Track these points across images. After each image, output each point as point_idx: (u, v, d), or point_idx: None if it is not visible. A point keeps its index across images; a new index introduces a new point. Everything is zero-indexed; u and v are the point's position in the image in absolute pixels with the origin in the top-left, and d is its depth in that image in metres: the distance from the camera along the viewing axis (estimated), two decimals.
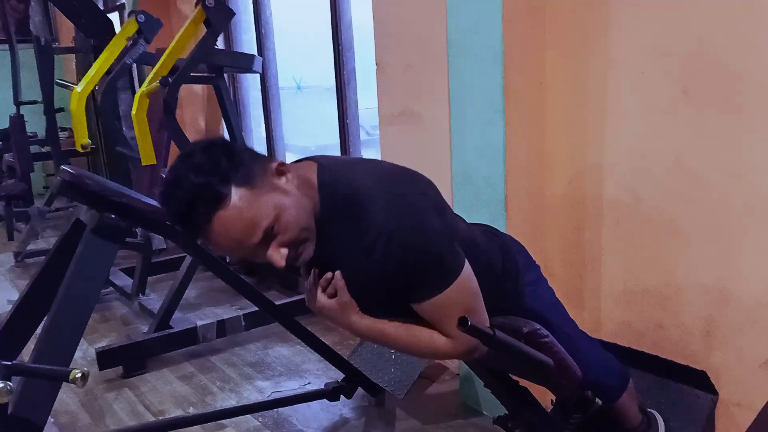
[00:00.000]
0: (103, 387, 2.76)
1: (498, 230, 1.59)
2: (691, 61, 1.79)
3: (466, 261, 1.21)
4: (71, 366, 1.46)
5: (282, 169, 1.17)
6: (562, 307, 1.59)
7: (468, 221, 1.84)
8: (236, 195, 1.10)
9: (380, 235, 1.14)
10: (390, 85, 2.86)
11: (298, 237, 1.16)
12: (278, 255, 1.14)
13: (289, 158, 4.40)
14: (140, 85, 4.34)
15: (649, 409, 1.88)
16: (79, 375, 1.34)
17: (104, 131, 4.17)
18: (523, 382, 1.66)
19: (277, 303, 2.54)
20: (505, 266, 1.43)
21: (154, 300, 3.56)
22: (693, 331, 1.92)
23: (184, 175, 1.10)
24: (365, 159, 1.31)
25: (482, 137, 2.17)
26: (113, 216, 1.86)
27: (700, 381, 1.89)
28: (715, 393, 1.87)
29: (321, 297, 1.26)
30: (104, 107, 3.80)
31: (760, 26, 1.62)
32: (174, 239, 2.10)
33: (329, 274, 1.25)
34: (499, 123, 2.10)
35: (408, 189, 1.20)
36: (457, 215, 1.38)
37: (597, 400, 2.00)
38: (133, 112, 3.00)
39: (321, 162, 1.24)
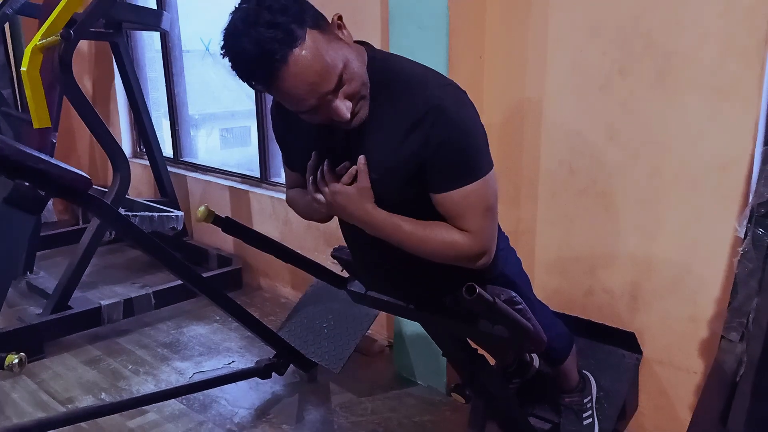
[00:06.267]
0: None
1: None
2: (626, 40, 1.87)
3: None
4: None
5: (341, 23, 1.15)
6: (526, 274, 1.63)
7: None
8: (310, 37, 1.07)
9: (432, 108, 1.15)
10: None
11: (360, 90, 1.15)
12: (344, 106, 1.13)
13: (195, 132, 4.13)
14: (12, 41, 3.88)
15: (582, 370, 1.99)
16: (16, 360, 1.17)
17: None
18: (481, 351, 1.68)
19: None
20: None
21: (44, 278, 3.23)
22: (620, 296, 2.05)
23: (256, 14, 1.04)
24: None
25: None
26: (27, 184, 1.64)
27: (627, 342, 2.02)
28: (640, 352, 2.02)
29: (335, 184, 1.24)
30: None
31: (691, 7, 1.73)
32: (97, 213, 1.87)
33: (347, 163, 1.23)
34: None
35: (454, 84, 1.22)
36: None
37: (534, 364, 2.10)
38: (24, 68, 2.64)
39: (368, 44, 1.25)
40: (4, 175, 1.60)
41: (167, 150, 3.94)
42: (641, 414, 2.08)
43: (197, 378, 2.45)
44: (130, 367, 2.58)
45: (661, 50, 1.81)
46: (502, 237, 1.55)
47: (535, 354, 2.05)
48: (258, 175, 3.39)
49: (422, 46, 2.09)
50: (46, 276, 3.24)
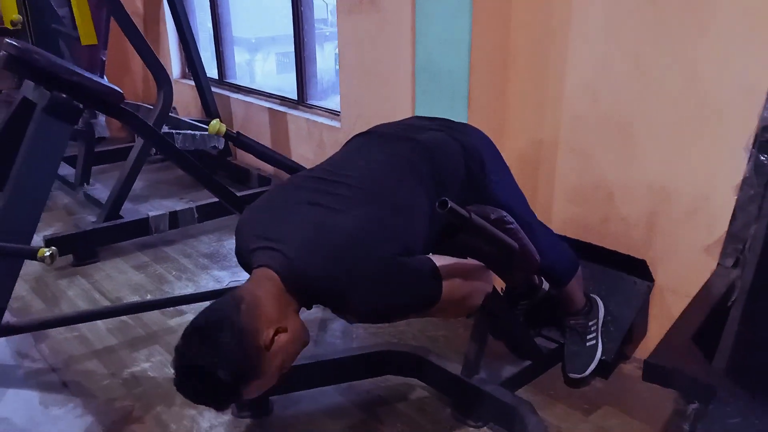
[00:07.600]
0: (53, 275, 2.72)
1: (459, 125, 1.61)
2: None
3: (434, 263, 1.30)
4: None
5: (275, 333, 1.22)
6: (523, 197, 1.67)
7: (430, 114, 1.86)
8: (250, 389, 1.22)
9: (368, 313, 1.30)
10: None
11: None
12: None
13: (238, 53, 4.20)
14: None
15: (591, 294, 2.03)
16: (49, 253, 1.32)
17: (32, 7, 3.81)
18: None
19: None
20: (469, 167, 1.50)
21: (99, 189, 3.47)
22: (636, 224, 2.05)
23: (198, 388, 1.19)
24: (314, 232, 1.29)
25: (447, 29, 2.14)
26: (64, 95, 1.77)
27: (639, 269, 2.04)
28: (651, 280, 2.04)
29: None
30: None
31: None
32: (131, 125, 2.01)
33: None
34: (465, 14, 2.07)
35: (369, 261, 1.24)
36: (418, 177, 1.44)
37: (543, 287, 2.16)
38: None
39: (277, 269, 1.26)
40: (41, 86, 1.74)
41: (212, 71, 4.05)
42: (650, 339, 2.12)
43: (233, 285, 2.64)
44: (173, 273, 2.80)
45: None
46: (496, 160, 1.59)
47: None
48: (295, 98, 3.46)
49: None
50: (101, 188, 3.47)
